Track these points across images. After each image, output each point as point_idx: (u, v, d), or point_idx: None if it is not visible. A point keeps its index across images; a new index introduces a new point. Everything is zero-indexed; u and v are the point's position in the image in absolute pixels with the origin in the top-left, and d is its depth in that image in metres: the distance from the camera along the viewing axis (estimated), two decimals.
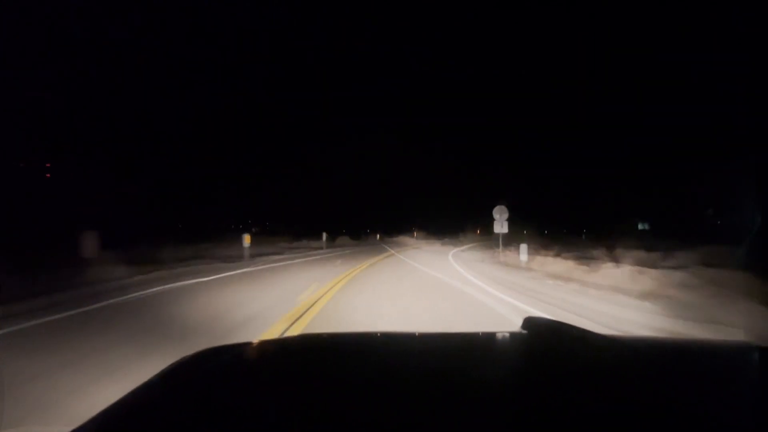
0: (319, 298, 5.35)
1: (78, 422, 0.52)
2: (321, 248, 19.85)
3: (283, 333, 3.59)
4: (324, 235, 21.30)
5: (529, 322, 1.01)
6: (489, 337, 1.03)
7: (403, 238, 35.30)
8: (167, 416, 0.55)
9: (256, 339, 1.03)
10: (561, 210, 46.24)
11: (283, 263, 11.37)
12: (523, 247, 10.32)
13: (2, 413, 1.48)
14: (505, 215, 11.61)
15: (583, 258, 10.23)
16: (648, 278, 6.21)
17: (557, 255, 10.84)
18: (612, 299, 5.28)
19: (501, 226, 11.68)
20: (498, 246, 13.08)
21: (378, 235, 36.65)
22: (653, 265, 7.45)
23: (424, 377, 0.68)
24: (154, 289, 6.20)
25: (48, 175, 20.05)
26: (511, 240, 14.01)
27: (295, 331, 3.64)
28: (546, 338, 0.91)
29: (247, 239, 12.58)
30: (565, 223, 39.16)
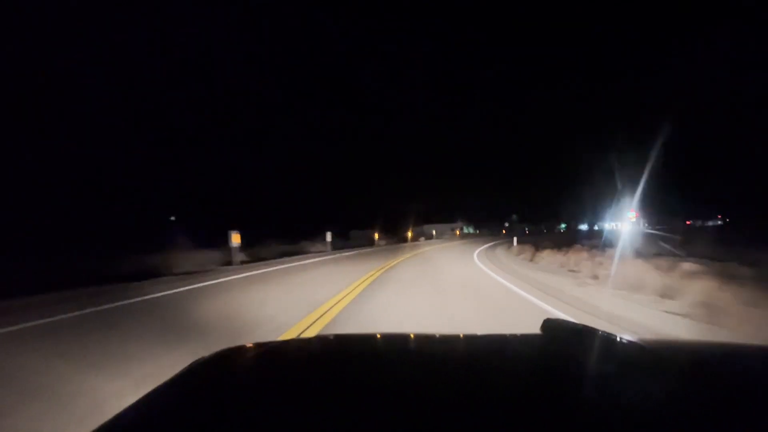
0: None
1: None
2: None
3: None
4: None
5: (549, 325, 1.01)
6: (508, 340, 1.01)
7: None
8: (185, 417, 0.55)
9: (274, 339, 1.25)
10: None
11: None
12: None
13: None
14: None
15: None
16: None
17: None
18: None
19: None
20: None
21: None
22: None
23: (440, 381, 0.67)
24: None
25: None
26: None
27: None
28: (566, 341, 0.89)
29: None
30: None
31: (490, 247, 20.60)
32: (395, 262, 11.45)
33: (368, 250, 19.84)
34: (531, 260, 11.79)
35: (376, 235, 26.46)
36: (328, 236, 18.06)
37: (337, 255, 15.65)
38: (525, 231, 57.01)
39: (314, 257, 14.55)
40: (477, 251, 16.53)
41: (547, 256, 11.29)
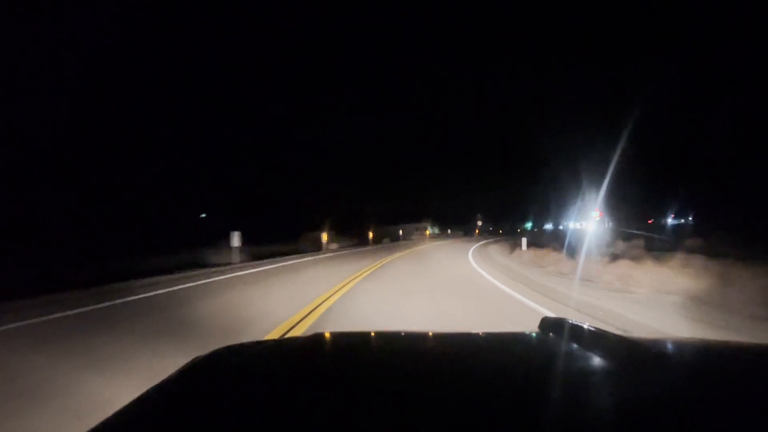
0: None
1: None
2: None
3: None
4: None
5: (547, 322, 1.00)
6: (506, 338, 1.03)
7: None
8: (182, 416, 0.55)
9: (269, 337, 1.27)
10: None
11: None
12: None
13: None
14: None
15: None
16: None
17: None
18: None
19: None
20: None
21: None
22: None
23: (438, 379, 0.67)
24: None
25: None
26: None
27: None
28: (564, 339, 0.88)
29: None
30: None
31: (482, 249, 15.01)
32: (326, 302, 5.10)
33: (306, 259, 13.12)
34: (590, 278, 6.49)
35: (325, 237, 19.53)
36: (235, 240, 11.17)
37: (237, 274, 8.84)
38: (500, 231, 54.00)
39: (176, 284, 7.74)
40: (473, 260, 10.71)
41: (653, 275, 5.35)
